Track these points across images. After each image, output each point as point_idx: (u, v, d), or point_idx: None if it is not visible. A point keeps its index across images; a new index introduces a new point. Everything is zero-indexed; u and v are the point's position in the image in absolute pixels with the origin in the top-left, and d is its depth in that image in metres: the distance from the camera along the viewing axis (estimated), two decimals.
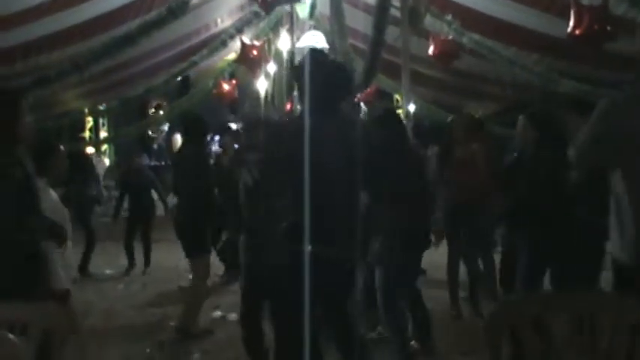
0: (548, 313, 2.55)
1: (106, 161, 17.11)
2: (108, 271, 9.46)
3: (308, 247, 3.70)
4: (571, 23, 5.89)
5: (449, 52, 8.91)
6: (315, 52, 4.83)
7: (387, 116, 5.55)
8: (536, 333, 2.50)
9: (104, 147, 17.85)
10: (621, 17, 6.66)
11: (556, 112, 5.15)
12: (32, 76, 8.24)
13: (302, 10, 9.13)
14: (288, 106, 11.67)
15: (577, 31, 5.99)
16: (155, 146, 17.71)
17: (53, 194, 4.58)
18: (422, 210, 5.12)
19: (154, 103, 16.17)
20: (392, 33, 7.75)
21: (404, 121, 5.75)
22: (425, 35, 8.80)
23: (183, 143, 6.48)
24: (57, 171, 4.78)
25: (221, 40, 10.97)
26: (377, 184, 4.79)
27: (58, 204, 4.58)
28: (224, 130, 11.25)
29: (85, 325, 6.29)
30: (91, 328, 6.43)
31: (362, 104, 11.66)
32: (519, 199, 4.87)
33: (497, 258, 6.66)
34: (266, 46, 10.99)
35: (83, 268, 9.21)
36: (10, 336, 2.48)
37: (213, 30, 11.41)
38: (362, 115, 5.56)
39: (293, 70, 5.10)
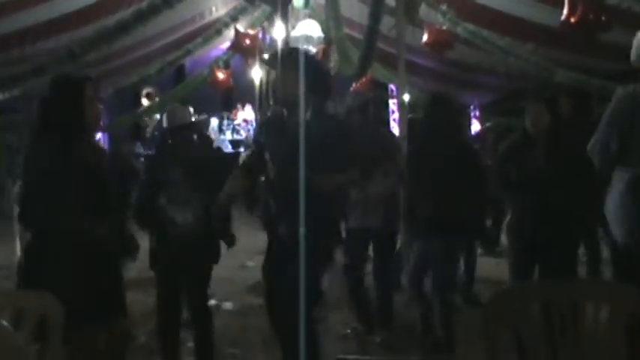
0: (546, 301, 2.56)
1: None
2: None
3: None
4: (564, 11, 5.87)
5: (443, 42, 8.89)
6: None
7: (434, 101, 5.54)
8: (534, 321, 2.51)
9: (98, 135, 17.75)
10: (616, 7, 6.66)
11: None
12: (28, 63, 8.21)
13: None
14: None
15: (570, 21, 5.97)
16: (148, 134, 17.68)
17: None
18: (460, 203, 5.06)
19: (146, 92, 16.07)
20: (387, 23, 7.73)
21: (454, 108, 5.68)
22: (420, 25, 8.79)
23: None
24: None
25: (216, 29, 10.94)
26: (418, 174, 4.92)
27: None
28: None
29: None
30: None
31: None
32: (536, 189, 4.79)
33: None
34: (260, 35, 10.95)
35: None
36: (4, 323, 2.48)
37: (208, 18, 11.38)
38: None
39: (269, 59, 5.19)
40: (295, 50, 4.99)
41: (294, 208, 3.56)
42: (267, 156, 4.31)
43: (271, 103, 4.90)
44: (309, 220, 3.72)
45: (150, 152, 16.16)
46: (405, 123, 6.82)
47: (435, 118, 5.24)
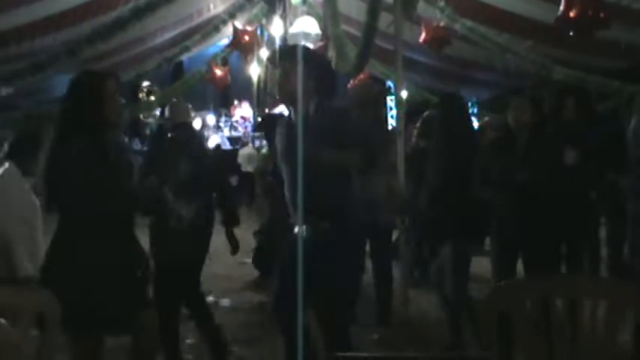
0: (544, 296, 2.55)
1: None
2: None
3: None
4: (561, 8, 5.86)
5: (441, 38, 8.90)
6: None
7: (446, 102, 5.50)
8: (531, 317, 2.51)
9: None
10: (615, 4, 6.67)
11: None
12: (26, 60, 8.20)
13: None
14: None
15: (566, 17, 5.95)
16: (147, 131, 17.67)
17: (25, 184, 4.32)
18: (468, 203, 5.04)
19: (145, 88, 16.08)
20: (385, 19, 7.73)
21: (465, 108, 5.63)
22: (418, 22, 8.79)
23: None
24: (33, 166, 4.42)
25: (213, 26, 10.94)
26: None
27: (27, 194, 4.29)
28: None
29: None
30: None
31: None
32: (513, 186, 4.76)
33: None
34: (259, 32, 10.96)
35: None
36: (2, 320, 2.47)
37: (206, 15, 11.38)
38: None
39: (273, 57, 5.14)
40: (298, 47, 4.98)
41: (313, 205, 3.56)
42: (278, 158, 4.27)
43: (276, 97, 4.87)
44: (333, 215, 3.78)
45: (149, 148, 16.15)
46: (403, 119, 6.80)
47: (453, 118, 5.19)
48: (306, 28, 9.32)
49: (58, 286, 3.40)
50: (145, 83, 15.29)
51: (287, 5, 9.56)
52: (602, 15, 5.91)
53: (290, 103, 4.16)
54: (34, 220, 4.21)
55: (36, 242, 4.19)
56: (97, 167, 3.49)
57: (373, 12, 7.48)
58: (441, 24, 8.70)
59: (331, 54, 9.81)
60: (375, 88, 6.23)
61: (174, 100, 5.40)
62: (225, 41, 11.98)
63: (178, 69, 15.25)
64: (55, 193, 3.58)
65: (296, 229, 3.96)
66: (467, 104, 5.52)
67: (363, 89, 5.77)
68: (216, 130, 19.31)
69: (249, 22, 11.02)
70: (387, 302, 5.99)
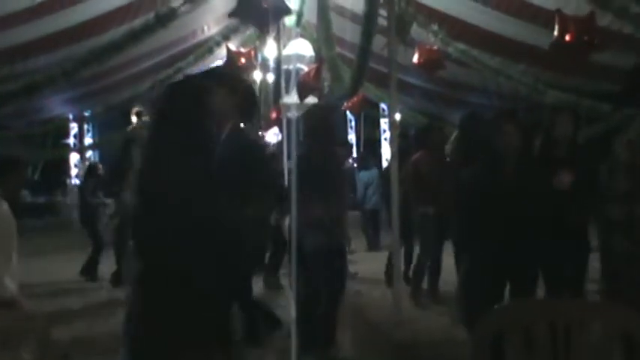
0: (536, 321, 2.55)
1: None
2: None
3: None
4: (555, 33, 5.89)
5: (434, 61, 8.90)
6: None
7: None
8: (523, 341, 2.50)
9: (88, 153, 17.80)
10: (606, 29, 6.71)
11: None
12: (19, 81, 8.19)
13: (289, 18, 9.12)
14: (274, 114, 11.75)
15: (562, 42, 5.99)
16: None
17: (3, 205, 4.10)
18: None
19: (135, 110, 16.07)
20: (379, 42, 7.77)
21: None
22: (412, 44, 8.82)
23: None
24: (12, 188, 4.30)
25: (207, 48, 10.96)
26: None
27: (6, 214, 4.10)
28: None
29: (73, 331, 6.31)
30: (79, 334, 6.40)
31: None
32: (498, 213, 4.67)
33: None
34: (253, 54, 10.97)
35: (89, 271, 9.62)
36: None
37: (200, 37, 11.41)
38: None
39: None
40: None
41: None
42: None
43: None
44: None
45: None
46: (396, 142, 6.80)
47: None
48: (300, 50, 9.35)
49: None
50: (136, 108, 15.25)
51: (281, 27, 9.57)
52: (594, 39, 5.94)
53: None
54: (12, 241, 4.12)
55: (13, 264, 4.10)
56: (202, 191, 3.03)
57: (368, 35, 7.52)
58: (435, 47, 8.73)
59: (325, 76, 9.84)
60: (322, 111, 6.05)
61: None
62: (218, 63, 12.00)
63: None
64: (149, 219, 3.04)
65: None
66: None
67: (309, 115, 5.60)
68: None
69: (243, 44, 11.05)
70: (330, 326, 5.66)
